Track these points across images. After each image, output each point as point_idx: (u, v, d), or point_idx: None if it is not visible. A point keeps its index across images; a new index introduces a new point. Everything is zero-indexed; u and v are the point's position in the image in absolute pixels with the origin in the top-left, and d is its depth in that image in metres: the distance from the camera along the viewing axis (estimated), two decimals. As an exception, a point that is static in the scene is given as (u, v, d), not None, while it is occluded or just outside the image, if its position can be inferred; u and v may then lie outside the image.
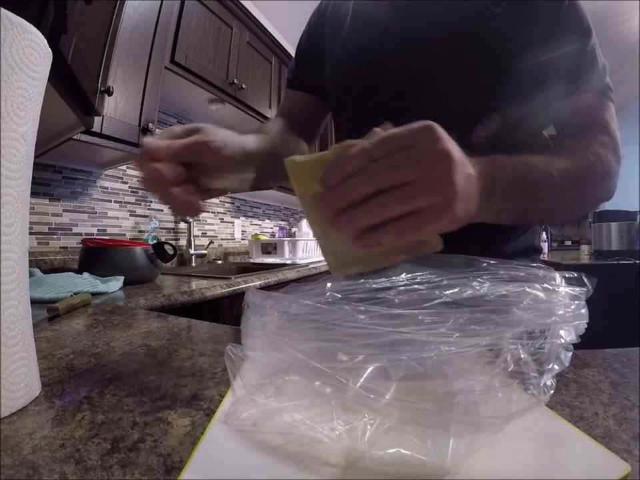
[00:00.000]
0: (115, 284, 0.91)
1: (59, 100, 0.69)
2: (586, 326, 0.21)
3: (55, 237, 1.25)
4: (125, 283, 0.98)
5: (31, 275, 0.90)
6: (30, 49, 0.27)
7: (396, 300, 0.23)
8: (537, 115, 0.53)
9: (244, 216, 2.26)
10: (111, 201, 1.44)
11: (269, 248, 1.92)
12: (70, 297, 0.71)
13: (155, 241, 1.28)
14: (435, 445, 0.18)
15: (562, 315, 0.21)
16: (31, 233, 1.16)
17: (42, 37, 0.28)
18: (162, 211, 1.67)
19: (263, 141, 0.48)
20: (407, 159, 0.25)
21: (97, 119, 0.97)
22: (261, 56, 1.84)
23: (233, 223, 2.15)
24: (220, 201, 2.05)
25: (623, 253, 2.10)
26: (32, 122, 0.29)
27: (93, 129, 0.95)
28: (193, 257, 1.67)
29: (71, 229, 1.30)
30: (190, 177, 0.35)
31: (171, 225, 1.72)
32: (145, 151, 0.32)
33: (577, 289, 0.22)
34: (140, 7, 1.11)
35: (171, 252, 1.13)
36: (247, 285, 1.14)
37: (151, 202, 1.62)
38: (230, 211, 2.13)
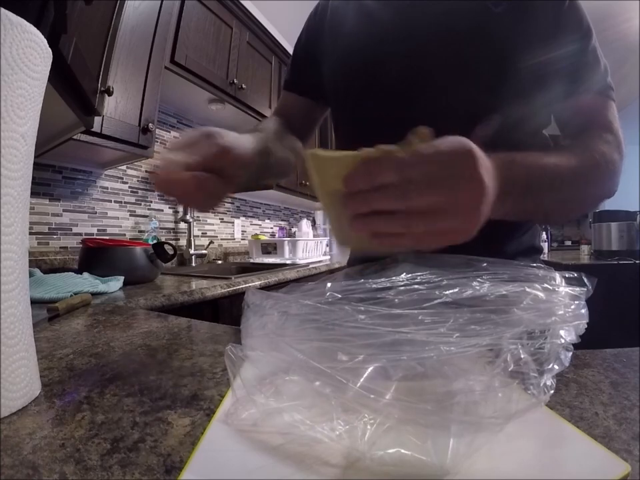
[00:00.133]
0: (115, 284, 0.91)
1: (59, 100, 0.69)
2: (586, 326, 0.21)
3: (54, 236, 1.25)
4: (125, 283, 0.98)
5: (31, 275, 0.90)
6: (30, 49, 0.27)
7: (396, 300, 0.23)
8: (538, 114, 0.53)
9: (244, 216, 2.26)
10: (111, 201, 1.44)
11: (269, 248, 1.92)
12: (70, 296, 0.71)
13: (155, 241, 1.28)
14: (435, 445, 0.18)
15: (562, 314, 0.21)
16: (31, 233, 1.16)
17: (42, 36, 0.28)
18: (162, 211, 1.67)
19: (260, 139, 0.48)
20: (440, 184, 0.25)
21: (97, 119, 0.97)
22: (260, 56, 1.84)
23: (233, 222, 2.15)
24: (220, 201, 2.04)
25: (623, 252, 2.10)
26: (32, 122, 0.29)
27: (93, 129, 0.95)
28: (193, 257, 1.67)
29: (71, 229, 1.30)
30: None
31: (171, 225, 1.72)
32: (169, 173, 0.32)
33: (577, 288, 0.22)
34: (140, 7, 1.11)
35: (171, 252, 1.13)
36: (247, 285, 1.14)
37: (151, 202, 1.62)
38: (230, 211, 2.13)
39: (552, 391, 0.20)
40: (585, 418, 0.24)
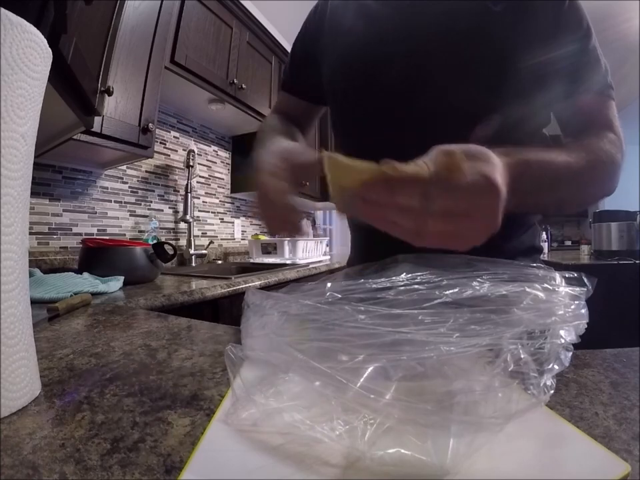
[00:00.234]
0: (115, 284, 0.91)
1: (59, 100, 0.69)
2: (586, 326, 0.21)
3: (54, 236, 1.25)
4: (125, 283, 0.98)
5: (31, 275, 0.90)
6: (30, 49, 0.27)
7: (396, 300, 0.23)
8: (538, 114, 0.53)
9: (244, 216, 2.26)
10: (111, 201, 1.44)
11: (269, 248, 1.92)
12: (70, 296, 0.71)
13: (155, 241, 1.28)
14: (435, 444, 0.18)
15: (562, 314, 0.21)
16: (31, 233, 1.16)
17: (42, 36, 0.28)
18: (162, 211, 1.67)
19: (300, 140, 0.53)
20: (459, 211, 0.25)
21: (97, 119, 0.97)
22: (260, 56, 1.84)
23: (233, 223, 2.15)
24: (220, 201, 2.05)
25: (623, 252, 2.10)
26: (32, 122, 0.29)
27: (93, 129, 0.95)
28: (193, 257, 1.67)
29: (71, 229, 1.30)
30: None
31: (171, 225, 1.72)
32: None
33: (577, 289, 0.22)
34: (140, 7, 1.11)
35: (171, 252, 1.13)
36: (247, 285, 1.14)
37: (151, 202, 1.62)
38: (230, 211, 2.13)
39: (552, 391, 0.20)
40: (585, 418, 0.24)
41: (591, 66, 0.48)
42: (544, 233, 2.90)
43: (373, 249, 0.42)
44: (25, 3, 0.46)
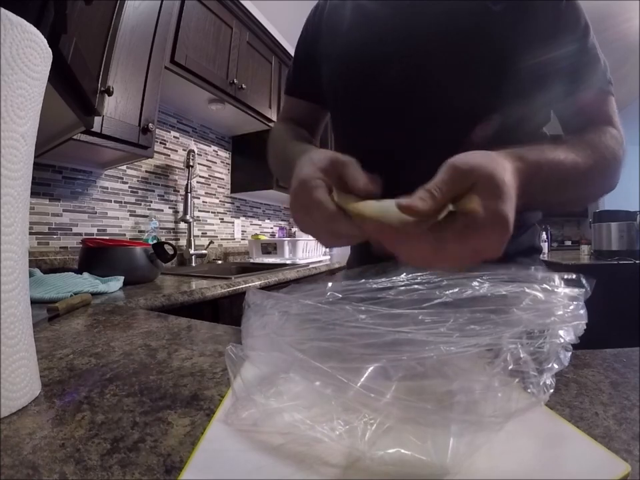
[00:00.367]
0: (115, 284, 0.91)
1: (59, 100, 0.69)
2: (585, 327, 0.21)
3: (55, 236, 1.25)
4: (125, 283, 0.98)
5: (31, 275, 0.90)
6: (30, 49, 0.27)
7: (396, 300, 0.23)
8: (538, 114, 0.53)
9: (244, 216, 2.26)
10: (111, 201, 1.44)
11: (269, 248, 1.92)
12: (70, 296, 0.71)
13: (155, 241, 1.28)
14: (435, 444, 0.18)
15: (561, 315, 0.21)
16: (31, 233, 1.16)
17: (42, 36, 0.28)
18: (162, 211, 1.67)
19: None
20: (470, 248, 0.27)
21: (97, 119, 0.97)
22: (261, 56, 1.84)
23: (233, 223, 2.15)
24: (220, 201, 2.05)
25: (623, 252, 2.10)
26: (32, 122, 0.29)
27: (93, 129, 0.95)
28: (193, 257, 1.67)
29: (71, 229, 1.30)
30: None
31: (171, 225, 1.72)
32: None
33: (576, 290, 0.22)
34: (140, 7, 1.11)
35: (171, 252, 1.13)
36: (247, 285, 1.14)
37: (151, 202, 1.62)
38: (230, 211, 2.13)
39: (552, 390, 0.20)
40: (585, 418, 0.24)
41: (590, 64, 0.48)
42: (544, 233, 2.90)
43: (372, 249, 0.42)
44: (25, 3, 0.46)
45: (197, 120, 1.86)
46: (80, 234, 1.32)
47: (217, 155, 2.04)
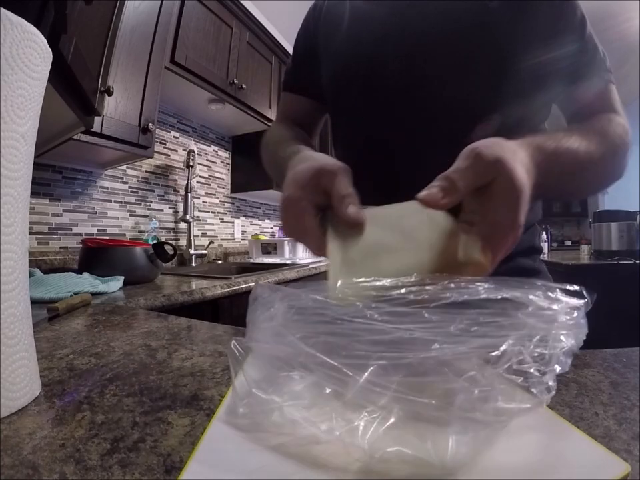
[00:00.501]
0: (115, 284, 0.91)
1: (59, 100, 0.69)
2: (585, 337, 0.21)
3: (54, 236, 1.25)
4: (125, 283, 0.98)
5: (31, 275, 0.90)
6: (30, 49, 0.27)
7: (404, 298, 0.23)
8: (538, 113, 0.53)
9: (244, 216, 2.26)
10: (111, 201, 1.44)
11: (269, 248, 1.92)
12: (70, 296, 0.71)
13: (155, 241, 1.28)
14: (436, 444, 0.18)
15: (564, 322, 0.21)
16: (31, 233, 1.16)
17: (42, 36, 0.28)
18: (162, 211, 1.67)
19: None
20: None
21: (97, 119, 0.97)
22: (261, 56, 1.84)
23: (233, 223, 2.15)
24: (220, 201, 2.05)
25: (623, 252, 2.10)
26: (32, 122, 0.29)
27: (93, 129, 0.95)
28: (193, 257, 1.67)
29: (71, 229, 1.30)
30: None
31: (171, 225, 1.72)
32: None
33: (577, 300, 0.22)
34: (140, 6, 1.11)
35: (171, 252, 1.13)
36: (247, 285, 1.14)
37: (151, 202, 1.62)
38: (230, 211, 2.13)
39: (553, 392, 0.20)
40: (585, 418, 0.24)
41: (590, 63, 0.48)
42: (544, 233, 2.90)
43: None
44: (25, 3, 0.46)
45: (197, 120, 1.86)
46: (80, 234, 1.32)
47: (217, 154, 2.04)
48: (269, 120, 1.85)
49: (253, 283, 1.17)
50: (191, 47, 1.36)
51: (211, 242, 1.87)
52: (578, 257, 2.48)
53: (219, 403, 0.27)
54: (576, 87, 0.48)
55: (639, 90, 3.07)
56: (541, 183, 0.30)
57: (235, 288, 1.08)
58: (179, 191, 1.76)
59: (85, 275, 0.95)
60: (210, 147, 1.98)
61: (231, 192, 2.12)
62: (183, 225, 1.75)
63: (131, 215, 1.52)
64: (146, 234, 1.53)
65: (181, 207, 1.74)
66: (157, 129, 1.28)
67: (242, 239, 2.21)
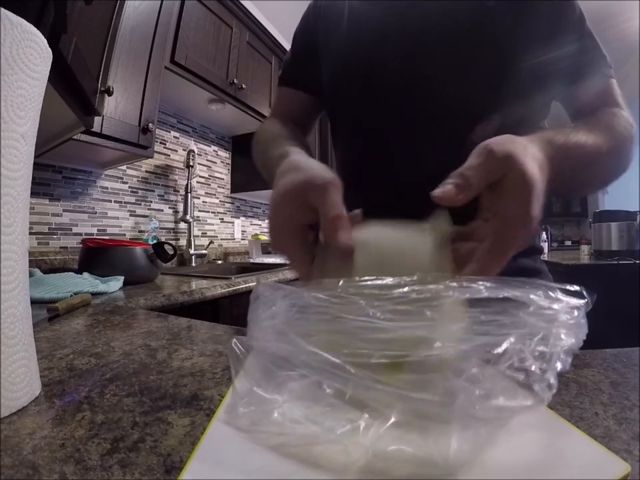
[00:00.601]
0: (115, 284, 0.91)
1: (59, 100, 0.69)
2: (585, 337, 0.22)
3: (54, 236, 1.25)
4: (125, 283, 0.98)
5: (31, 274, 0.90)
6: (30, 49, 0.27)
7: (406, 297, 0.23)
8: (538, 112, 0.53)
9: (244, 216, 2.26)
10: (111, 201, 1.44)
11: (269, 248, 1.92)
12: (70, 296, 0.71)
13: (155, 241, 1.28)
14: (437, 443, 0.18)
15: (564, 321, 0.21)
16: (31, 233, 1.16)
17: (42, 36, 0.28)
18: (162, 211, 1.67)
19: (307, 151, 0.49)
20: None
21: (97, 119, 0.97)
22: (261, 56, 1.84)
23: (233, 223, 2.15)
24: (220, 201, 2.05)
25: (623, 252, 2.10)
26: (32, 122, 0.29)
27: (93, 129, 0.95)
28: (193, 257, 1.67)
29: (71, 229, 1.30)
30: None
31: (171, 225, 1.72)
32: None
33: (578, 300, 0.22)
34: (140, 6, 1.11)
35: (171, 252, 1.13)
36: (247, 285, 1.14)
37: (151, 202, 1.62)
38: (230, 211, 2.13)
39: (554, 390, 0.20)
40: (585, 418, 0.24)
41: (591, 63, 0.48)
42: (544, 232, 2.90)
43: None
44: (25, 3, 0.46)
45: (196, 120, 1.86)
46: (80, 234, 1.32)
47: (217, 155, 2.04)
48: (269, 120, 1.85)
49: (253, 283, 1.17)
50: (191, 47, 1.36)
51: (211, 242, 1.87)
52: (578, 257, 2.49)
53: (219, 403, 0.27)
54: (577, 86, 0.48)
55: (639, 90, 3.07)
56: (552, 179, 0.30)
57: (235, 288, 1.08)
58: (178, 191, 1.76)
59: (85, 274, 0.95)
60: (210, 147, 1.98)
61: (231, 192, 2.12)
62: (183, 225, 1.75)
63: (131, 215, 1.52)
64: (146, 234, 1.53)
65: (181, 207, 1.74)
66: (157, 129, 1.28)
67: (242, 239, 2.21)
